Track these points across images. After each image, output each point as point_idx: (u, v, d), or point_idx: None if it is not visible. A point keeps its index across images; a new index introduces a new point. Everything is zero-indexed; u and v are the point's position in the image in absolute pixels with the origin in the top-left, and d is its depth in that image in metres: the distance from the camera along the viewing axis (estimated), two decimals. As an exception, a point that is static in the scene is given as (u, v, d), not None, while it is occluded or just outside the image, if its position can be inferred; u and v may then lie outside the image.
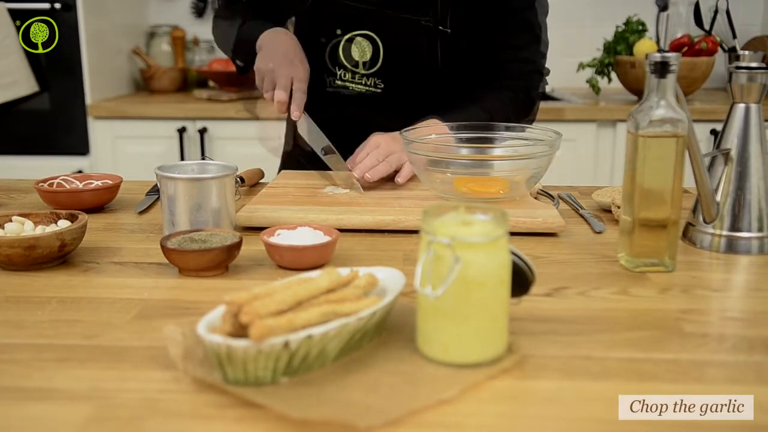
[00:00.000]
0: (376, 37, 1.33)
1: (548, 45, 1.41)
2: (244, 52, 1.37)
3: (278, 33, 1.32)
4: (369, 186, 1.21)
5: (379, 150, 1.21)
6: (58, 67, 2.57)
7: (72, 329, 0.73)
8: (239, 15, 1.43)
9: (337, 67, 1.38)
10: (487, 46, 1.36)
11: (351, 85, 1.38)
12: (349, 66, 1.36)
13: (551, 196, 1.25)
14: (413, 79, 1.36)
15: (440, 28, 1.30)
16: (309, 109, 1.36)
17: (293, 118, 1.24)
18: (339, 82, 1.39)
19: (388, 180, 1.24)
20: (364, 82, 1.37)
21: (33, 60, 2.55)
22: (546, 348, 0.68)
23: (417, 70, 1.35)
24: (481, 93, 1.38)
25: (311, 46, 1.38)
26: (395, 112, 1.36)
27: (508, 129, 1.27)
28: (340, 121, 1.42)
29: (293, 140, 1.46)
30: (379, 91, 1.37)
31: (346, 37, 1.34)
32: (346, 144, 1.40)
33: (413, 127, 1.27)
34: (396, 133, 1.26)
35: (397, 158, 1.21)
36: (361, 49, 1.34)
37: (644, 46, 2.52)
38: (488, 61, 1.38)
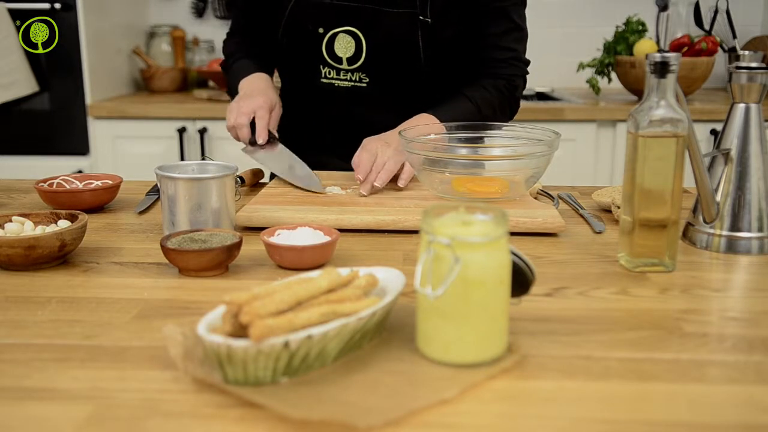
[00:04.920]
0: (358, 32, 1.34)
1: (528, 35, 1.42)
2: (233, 93, 1.44)
3: (251, 79, 1.39)
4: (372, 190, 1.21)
5: (377, 162, 1.20)
6: (58, 67, 2.57)
7: (72, 329, 0.73)
8: (234, 53, 1.49)
9: (321, 65, 1.38)
10: (468, 36, 1.36)
11: (336, 81, 1.39)
12: (333, 63, 1.37)
13: (551, 196, 1.25)
14: (398, 72, 1.37)
15: (421, 18, 1.31)
16: (297, 107, 1.36)
17: (259, 142, 1.27)
18: (324, 80, 1.39)
19: (390, 183, 1.24)
20: (348, 78, 1.38)
21: (33, 60, 2.55)
22: (546, 348, 0.68)
23: (401, 62, 1.35)
24: (465, 84, 1.39)
25: (295, 47, 1.39)
26: (382, 105, 1.37)
27: (507, 129, 1.27)
28: (329, 117, 1.42)
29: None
30: (364, 85, 1.38)
31: (329, 34, 1.35)
32: (336, 139, 1.40)
33: (405, 123, 1.28)
34: (387, 134, 1.26)
35: (395, 162, 1.21)
36: (344, 46, 1.35)
37: (644, 46, 2.52)
38: (470, 51, 1.39)
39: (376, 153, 1.21)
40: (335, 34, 1.34)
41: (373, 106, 1.38)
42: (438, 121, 1.30)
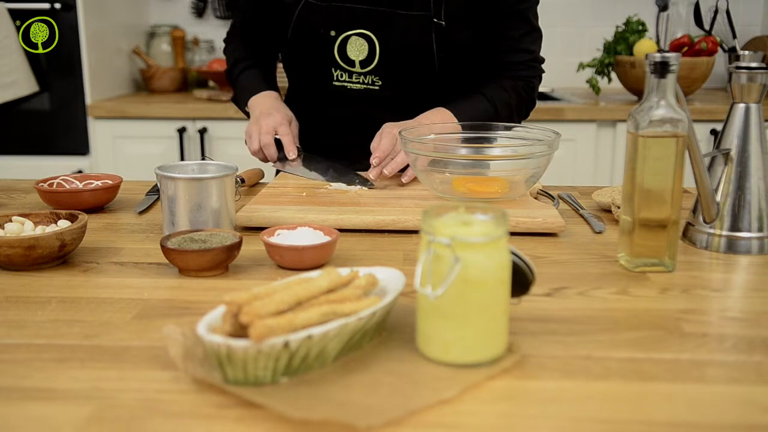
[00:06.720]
0: (371, 34, 1.34)
1: (542, 34, 1.42)
2: (242, 106, 1.48)
3: (260, 98, 1.42)
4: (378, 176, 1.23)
5: (397, 148, 1.24)
6: (58, 67, 2.57)
7: (72, 329, 0.73)
8: (240, 60, 1.51)
9: (333, 68, 1.38)
10: (486, 39, 1.37)
11: (348, 84, 1.39)
12: (345, 66, 1.37)
13: (551, 196, 1.25)
14: (411, 74, 1.36)
15: (435, 20, 1.31)
16: (307, 110, 1.36)
17: (289, 157, 1.30)
18: (336, 83, 1.39)
19: (393, 178, 1.25)
20: (361, 81, 1.38)
21: (33, 60, 2.54)
22: (546, 348, 0.68)
23: (414, 64, 1.35)
24: (483, 84, 1.39)
25: (305, 50, 1.38)
26: (396, 108, 1.37)
27: (507, 129, 1.27)
28: (341, 119, 1.42)
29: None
30: (376, 88, 1.38)
31: (341, 37, 1.35)
32: (348, 142, 1.40)
33: (421, 116, 1.30)
34: (407, 123, 1.28)
35: (404, 156, 1.22)
36: (356, 48, 1.34)
37: (644, 46, 2.52)
38: (488, 54, 1.39)
39: (397, 139, 1.23)
40: (347, 37, 1.34)
41: (386, 108, 1.38)
42: (454, 118, 1.31)
